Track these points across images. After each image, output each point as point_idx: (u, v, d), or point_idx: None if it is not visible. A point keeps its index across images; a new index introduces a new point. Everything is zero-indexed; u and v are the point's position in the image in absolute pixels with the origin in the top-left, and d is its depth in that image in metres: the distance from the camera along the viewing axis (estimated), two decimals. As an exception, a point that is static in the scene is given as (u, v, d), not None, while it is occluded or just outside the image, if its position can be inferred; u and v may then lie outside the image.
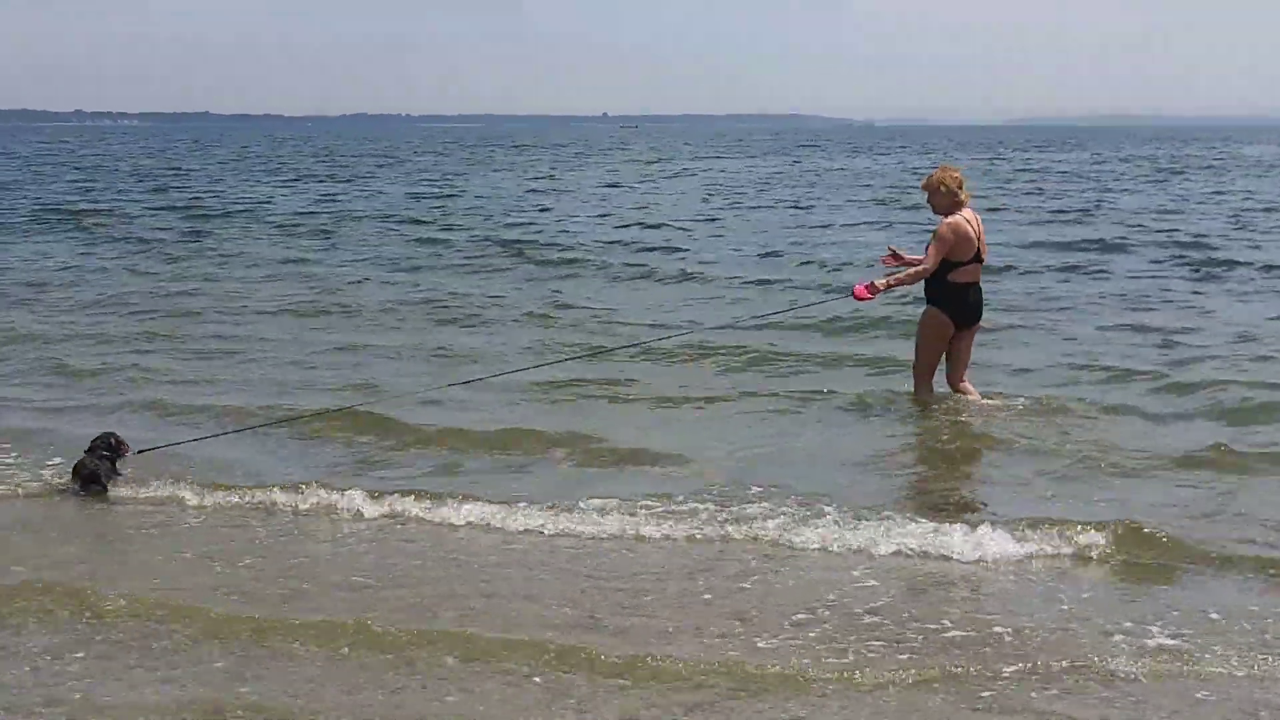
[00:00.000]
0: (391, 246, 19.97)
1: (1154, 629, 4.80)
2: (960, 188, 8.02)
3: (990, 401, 8.41)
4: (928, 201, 8.24)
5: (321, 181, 39.63)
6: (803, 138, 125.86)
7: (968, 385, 8.44)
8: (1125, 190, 34.07)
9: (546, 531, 6.11)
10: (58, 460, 7.32)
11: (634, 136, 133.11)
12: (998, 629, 4.83)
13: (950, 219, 7.99)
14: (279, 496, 6.63)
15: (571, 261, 17.52)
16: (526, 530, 6.15)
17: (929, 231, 8.42)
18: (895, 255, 8.53)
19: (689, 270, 16.63)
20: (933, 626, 4.86)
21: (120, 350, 11.01)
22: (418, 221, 24.24)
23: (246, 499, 6.66)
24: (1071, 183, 37.87)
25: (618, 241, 20.40)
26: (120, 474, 6.98)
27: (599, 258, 17.92)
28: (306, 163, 55.39)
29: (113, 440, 7.10)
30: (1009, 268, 16.07)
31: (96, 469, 6.87)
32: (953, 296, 8.10)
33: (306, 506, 6.52)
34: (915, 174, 40.51)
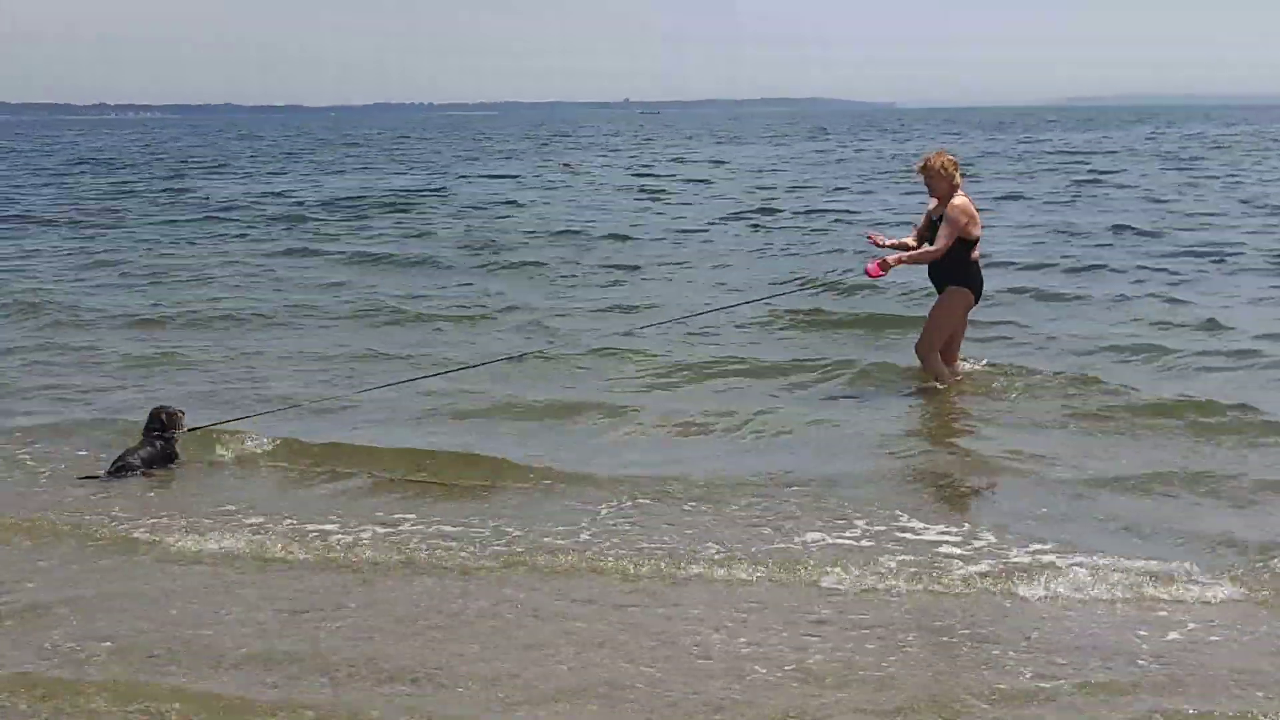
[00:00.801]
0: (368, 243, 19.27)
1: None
2: (956, 169, 8.28)
3: (978, 367, 8.98)
4: (925, 184, 8.39)
5: (330, 174, 39.03)
6: (822, 122, 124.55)
7: (958, 362, 8.81)
8: (1135, 171, 33.21)
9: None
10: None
11: (653, 123, 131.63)
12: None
13: (959, 200, 8.20)
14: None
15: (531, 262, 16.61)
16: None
17: (916, 216, 8.61)
18: (873, 240, 8.70)
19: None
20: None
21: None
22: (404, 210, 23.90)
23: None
24: (1074, 164, 36.88)
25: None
26: (177, 455, 6.86)
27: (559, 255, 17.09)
28: (316, 153, 54.72)
29: (163, 416, 6.87)
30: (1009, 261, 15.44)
31: (127, 459, 6.68)
32: (976, 274, 8.39)
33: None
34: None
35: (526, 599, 5.06)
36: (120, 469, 6.68)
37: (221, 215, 23.82)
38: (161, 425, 6.82)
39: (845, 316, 11.55)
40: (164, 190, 30.79)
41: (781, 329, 11.20)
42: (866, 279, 8.58)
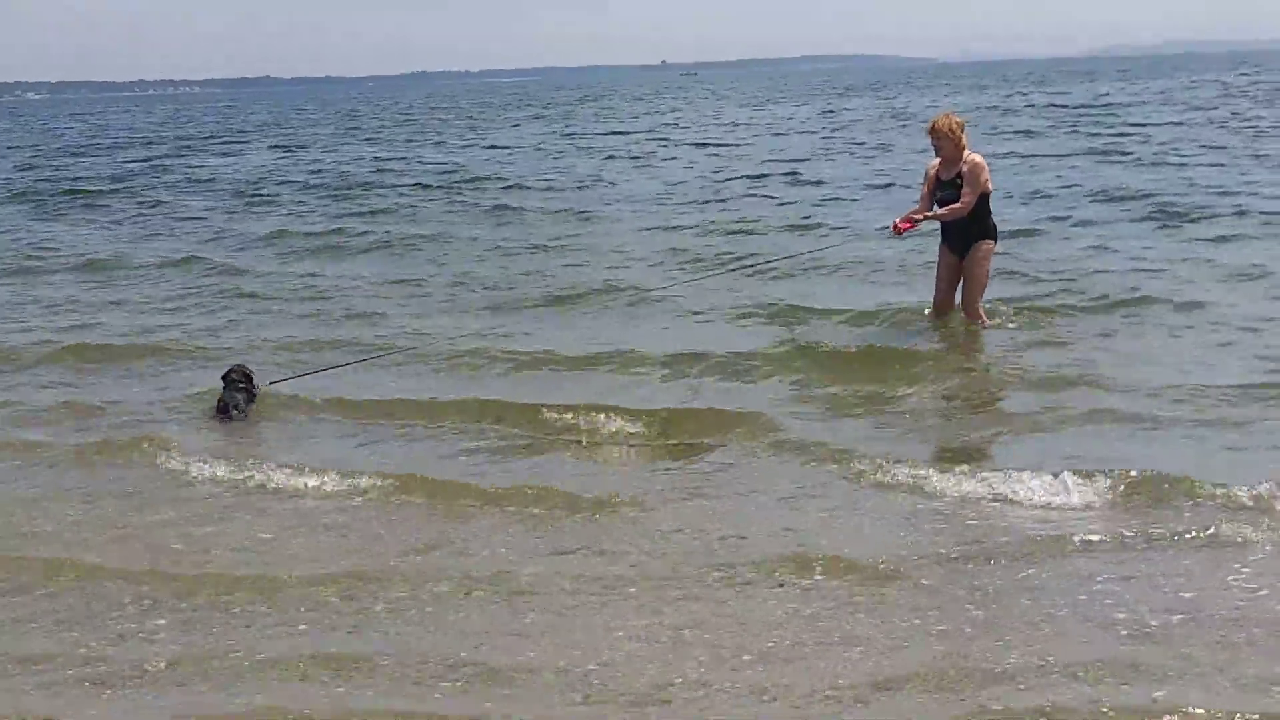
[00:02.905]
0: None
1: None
2: (963, 130, 8.55)
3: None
4: (933, 143, 8.64)
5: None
6: (869, 77, 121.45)
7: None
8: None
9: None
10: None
11: (690, 84, 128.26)
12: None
13: (977, 158, 8.54)
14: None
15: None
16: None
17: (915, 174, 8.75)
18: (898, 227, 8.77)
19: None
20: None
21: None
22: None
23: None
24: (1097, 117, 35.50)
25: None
26: (253, 401, 7.23)
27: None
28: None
29: (248, 370, 7.42)
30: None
31: (233, 400, 7.15)
32: (995, 226, 8.79)
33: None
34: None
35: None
36: (224, 412, 7.15)
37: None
38: (246, 378, 7.31)
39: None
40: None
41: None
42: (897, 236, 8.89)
